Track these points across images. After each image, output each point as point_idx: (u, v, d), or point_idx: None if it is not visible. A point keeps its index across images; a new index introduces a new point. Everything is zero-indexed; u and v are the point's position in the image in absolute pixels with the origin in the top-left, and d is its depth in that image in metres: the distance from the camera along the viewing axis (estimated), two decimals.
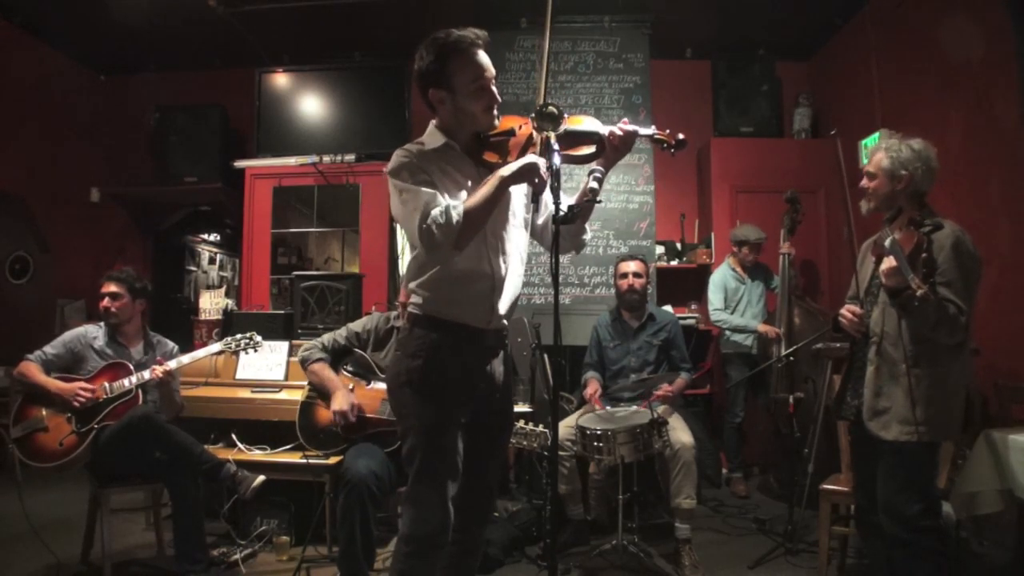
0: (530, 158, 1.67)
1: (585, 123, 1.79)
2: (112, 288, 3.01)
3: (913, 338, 2.05)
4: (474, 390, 1.81)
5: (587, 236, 1.97)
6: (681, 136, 1.79)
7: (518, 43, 4.97)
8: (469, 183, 1.77)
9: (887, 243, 1.88)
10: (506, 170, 1.67)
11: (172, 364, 2.93)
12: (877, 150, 2.21)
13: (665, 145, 1.80)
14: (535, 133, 1.76)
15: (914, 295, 1.83)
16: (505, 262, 1.82)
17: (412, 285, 1.81)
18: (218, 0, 4.46)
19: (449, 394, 1.76)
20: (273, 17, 4.70)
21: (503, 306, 1.82)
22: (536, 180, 1.67)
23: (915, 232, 1.88)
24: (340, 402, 2.78)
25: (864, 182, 2.23)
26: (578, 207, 1.71)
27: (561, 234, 1.89)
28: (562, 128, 1.73)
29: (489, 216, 1.70)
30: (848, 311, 2.22)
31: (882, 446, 2.12)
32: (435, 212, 1.62)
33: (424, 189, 1.67)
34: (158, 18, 4.73)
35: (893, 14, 4.29)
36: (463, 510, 1.80)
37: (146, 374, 2.88)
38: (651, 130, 1.78)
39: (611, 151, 1.76)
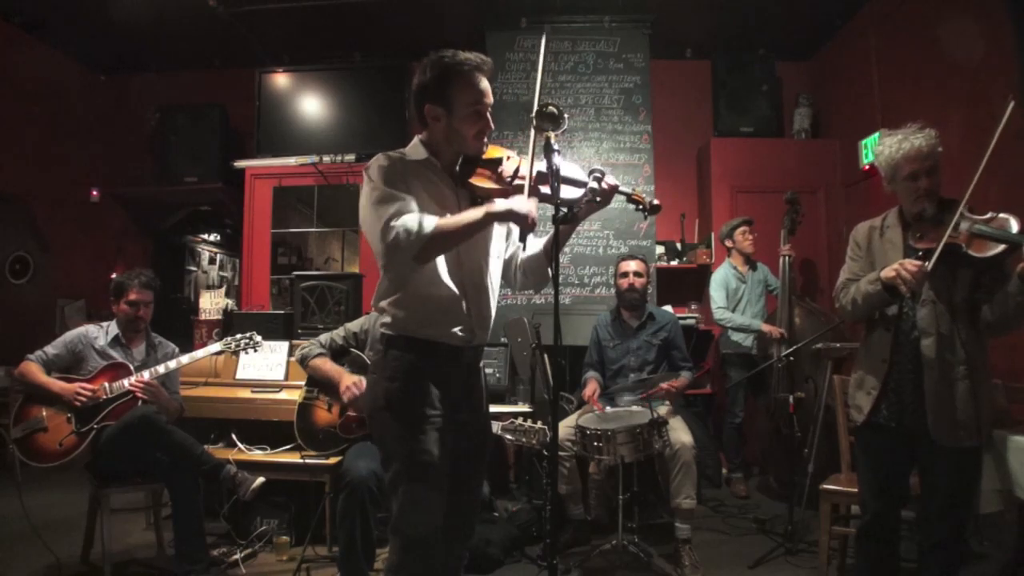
0: (524, 205, 1.62)
1: (570, 168, 1.77)
2: (148, 296, 3.03)
3: (970, 336, 2.04)
4: (455, 411, 1.77)
5: (550, 271, 1.87)
6: (656, 201, 1.82)
7: (518, 43, 4.96)
8: (445, 200, 1.76)
9: (1001, 232, 1.90)
10: (495, 207, 1.64)
11: (146, 375, 2.88)
12: (927, 140, 2.08)
13: (639, 207, 1.81)
14: (522, 165, 1.74)
15: None
16: (480, 283, 1.80)
17: (384, 303, 1.76)
18: (218, 0, 4.46)
19: (429, 417, 1.71)
20: (273, 17, 4.70)
21: (480, 325, 1.80)
22: (526, 224, 1.62)
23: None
24: (348, 380, 2.80)
25: (926, 182, 2.07)
26: (579, 207, 1.71)
27: (524, 271, 1.89)
28: (563, 128, 1.73)
29: (460, 242, 1.68)
30: (912, 264, 1.95)
31: (940, 453, 2.04)
32: (407, 217, 1.60)
33: (400, 193, 1.66)
34: (158, 18, 4.73)
35: (893, 14, 4.29)
36: (445, 531, 1.76)
37: (146, 374, 2.88)
38: (629, 190, 1.80)
39: (591, 203, 1.73)
